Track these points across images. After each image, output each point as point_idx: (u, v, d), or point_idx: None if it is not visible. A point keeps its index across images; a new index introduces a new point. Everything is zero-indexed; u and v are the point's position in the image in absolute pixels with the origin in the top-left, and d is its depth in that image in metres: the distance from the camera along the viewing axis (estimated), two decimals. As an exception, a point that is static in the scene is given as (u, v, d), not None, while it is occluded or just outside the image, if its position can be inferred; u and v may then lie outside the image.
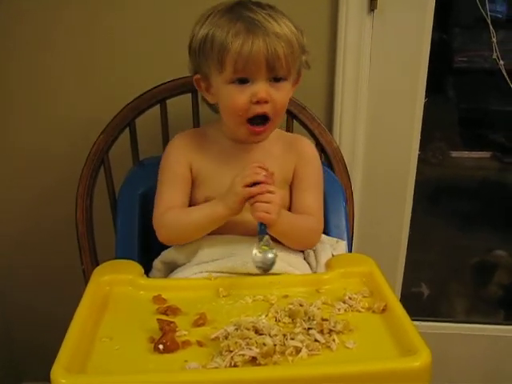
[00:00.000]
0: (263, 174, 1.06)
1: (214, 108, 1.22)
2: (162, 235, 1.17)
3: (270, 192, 1.05)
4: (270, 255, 1.03)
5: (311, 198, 1.21)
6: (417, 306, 2.11)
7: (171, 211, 1.16)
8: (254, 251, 1.03)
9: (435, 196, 2.34)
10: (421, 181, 1.70)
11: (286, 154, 1.22)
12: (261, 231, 1.06)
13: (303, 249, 1.22)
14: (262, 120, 1.12)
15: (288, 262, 1.15)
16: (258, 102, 1.10)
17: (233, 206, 1.08)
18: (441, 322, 1.90)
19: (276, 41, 1.07)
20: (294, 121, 1.39)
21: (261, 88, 1.09)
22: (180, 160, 1.20)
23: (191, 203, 1.20)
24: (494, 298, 2.06)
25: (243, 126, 1.13)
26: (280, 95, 1.11)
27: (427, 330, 1.81)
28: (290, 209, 1.22)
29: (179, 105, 1.35)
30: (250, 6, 1.10)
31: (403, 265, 1.74)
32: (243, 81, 1.09)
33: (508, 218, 2.22)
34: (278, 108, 1.13)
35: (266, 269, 1.04)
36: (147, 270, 1.18)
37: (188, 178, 1.20)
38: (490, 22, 1.48)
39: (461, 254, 2.20)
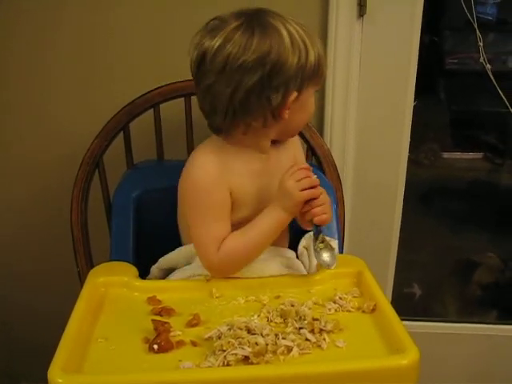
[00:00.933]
0: (314, 177, 1.08)
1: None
2: (225, 271, 1.10)
3: (321, 193, 1.08)
4: (334, 252, 1.11)
5: None
6: (409, 306, 2.12)
7: (226, 243, 1.08)
8: (316, 251, 1.09)
9: (427, 197, 2.35)
10: (413, 182, 1.71)
11: (286, 152, 1.21)
12: (316, 232, 1.10)
13: None
14: None
15: (286, 265, 1.17)
16: None
17: (293, 210, 1.08)
18: (432, 322, 1.92)
19: None
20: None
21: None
22: (219, 183, 1.09)
23: None
24: (485, 298, 2.08)
25: None
26: None
27: (419, 330, 1.83)
28: None
29: (172, 109, 1.36)
30: (279, 20, 1.06)
31: (394, 265, 1.76)
32: None
33: (499, 218, 2.24)
34: None
35: (331, 264, 1.09)
36: (142, 272, 1.18)
37: (230, 204, 1.11)
38: (476, 26, 1.50)
39: (452, 255, 2.21)
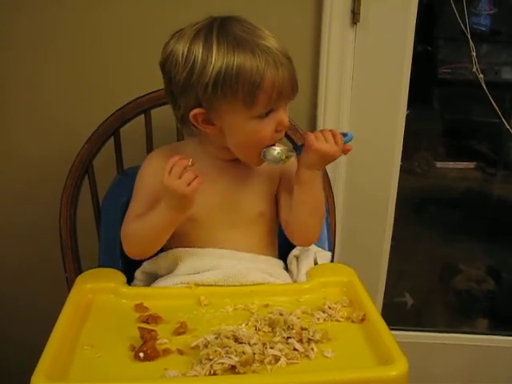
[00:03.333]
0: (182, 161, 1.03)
1: (191, 131, 1.15)
2: (125, 247, 1.14)
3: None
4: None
5: None
6: (400, 315, 2.12)
7: (128, 223, 1.14)
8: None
9: (420, 206, 2.36)
10: (405, 191, 1.71)
11: (270, 168, 1.19)
12: (297, 148, 1.12)
13: (300, 233, 1.19)
14: None
15: (269, 273, 1.15)
16: (281, 130, 1.10)
17: (175, 204, 1.05)
18: (424, 332, 1.91)
19: (290, 65, 1.06)
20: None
21: (284, 115, 1.08)
22: (154, 180, 1.12)
23: None
24: (476, 308, 2.08)
25: (257, 156, 1.11)
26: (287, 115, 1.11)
27: (410, 340, 1.82)
28: (280, 213, 1.21)
29: (163, 115, 1.35)
30: (240, 28, 1.04)
31: (385, 275, 1.75)
32: (268, 112, 1.06)
33: (491, 228, 2.24)
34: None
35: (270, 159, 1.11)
36: (130, 279, 1.19)
37: (157, 196, 1.11)
38: (469, 36, 1.50)
39: (444, 264, 2.21)
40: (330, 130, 1.11)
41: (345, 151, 1.11)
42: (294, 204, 1.15)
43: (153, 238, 1.11)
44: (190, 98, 1.06)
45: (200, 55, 1.02)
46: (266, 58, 1.01)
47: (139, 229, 1.11)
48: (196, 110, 1.06)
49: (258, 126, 1.06)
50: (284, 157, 1.10)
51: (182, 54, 1.04)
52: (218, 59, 1.01)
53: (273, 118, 1.07)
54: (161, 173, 1.08)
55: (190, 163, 1.02)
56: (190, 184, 1.01)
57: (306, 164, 1.11)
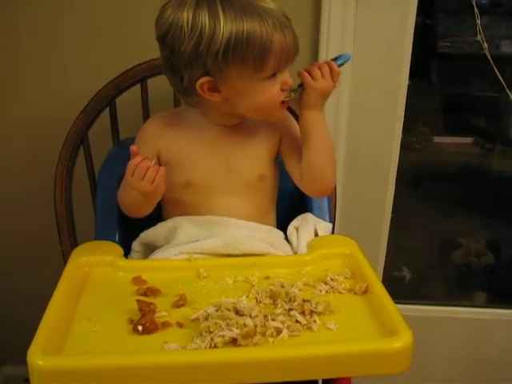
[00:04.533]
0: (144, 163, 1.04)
1: (192, 102, 1.14)
2: (121, 208, 1.18)
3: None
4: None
5: None
6: (398, 289, 2.12)
7: (123, 187, 1.15)
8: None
9: (418, 181, 2.36)
10: (404, 166, 1.70)
11: (269, 129, 1.20)
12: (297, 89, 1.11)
13: (317, 178, 1.17)
14: None
15: (269, 243, 1.14)
16: (286, 89, 1.09)
17: (145, 196, 1.07)
18: (422, 305, 1.91)
19: (291, 26, 1.05)
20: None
21: (288, 76, 1.08)
22: (146, 145, 1.15)
23: (170, 186, 1.16)
24: (475, 282, 2.08)
25: (275, 110, 1.11)
26: None
27: (409, 313, 1.81)
28: (293, 170, 1.20)
29: (160, 84, 1.33)
30: None
31: (385, 249, 1.75)
32: (274, 74, 1.06)
33: (489, 202, 2.25)
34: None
35: None
36: (127, 252, 1.17)
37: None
38: (474, 3, 1.47)
39: (443, 238, 2.21)
40: (327, 63, 1.10)
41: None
42: (306, 150, 1.15)
43: (136, 207, 1.14)
44: (198, 68, 1.04)
45: (207, 23, 0.99)
46: (272, 22, 1.01)
47: (127, 197, 1.13)
48: (203, 79, 1.05)
49: (265, 87, 1.06)
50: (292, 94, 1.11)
51: (187, 23, 1.00)
52: (227, 26, 0.99)
53: (278, 78, 1.07)
54: (156, 137, 1.16)
55: (152, 163, 1.03)
56: (153, 181, 1.03)
57: (308, 105, 1.12)
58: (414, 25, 1.49)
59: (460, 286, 2.12)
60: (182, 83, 1.08)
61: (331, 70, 1.09)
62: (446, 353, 1.89)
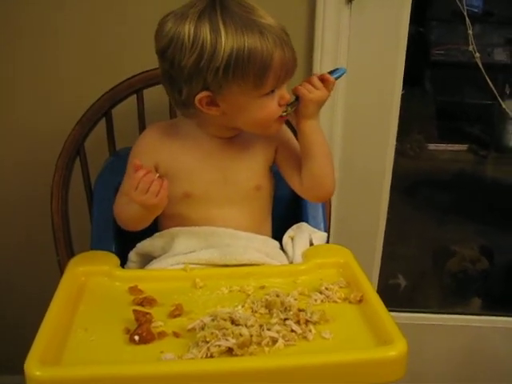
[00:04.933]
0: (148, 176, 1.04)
1: (189, 114, 1.14)
2: (117, 221, 1.18)
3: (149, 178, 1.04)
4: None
5: None
6: (394, 297, 2.12)
7: (119, 198, 1.16)
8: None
9: (413, 188, 2.36)
10: (398, 173, 1.70)
11: (265, 141, 1.21)
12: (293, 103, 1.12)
13: (319, 185, 1.18)
14: None
15: (265, 253, 1.15)
16: (283, 104, 1.10)
17: (146, 209, 1.07)
18: (417, 313, 1.91)
19: (290, 42, 1.06)
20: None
21: (285, 91, 1.09)
22: (144, 157, 1.14)
23: (169, 198, 1.16)
24: (469, 289, 2.08)
25: (272, 125, 1.12)
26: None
27: (404, 321, 1.82)
28: (291, 178, 1.21)
29: (156, 95, 1.34)
30: (238, 8, 1.03)
31: (380, 257, 1.75)
32: (273, 90, 1.07)
33: (484, 209, 2.25)
34: None
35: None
36: (123, 262, 1.18)
37: None
38: (466, 13, 1.48)
39: (437, 246, 2.21)
40: (319, 76, 1.12)
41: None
42: (307, 159, 1.16)
43: (135, 221, 1.13)
44: (197, 83, 1.04)
45: (209, 38, 0.99)
46: (273, 38, 1.01)
47: (124, 210, 1.13)
48: (202, 94, 1.05)
49: (264, 103, 1.07)
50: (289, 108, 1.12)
51: (188, 37, 1.00)
52: (228, 42, 0.99)
53: (276, 94, 1.08)
54: (154, 149, 1.16)
55: (156, 177, 1.03)
56: (157, 194, 1.02)
57: (306, 116, 1.13)
58: (407, 34, 1.50)
59: (455, 294, 2.12)
60: (180, 96, 1.08)
61: (326, 80, 1.11)
62: (441, 360, 1.89)
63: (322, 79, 1.11)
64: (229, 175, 1.18)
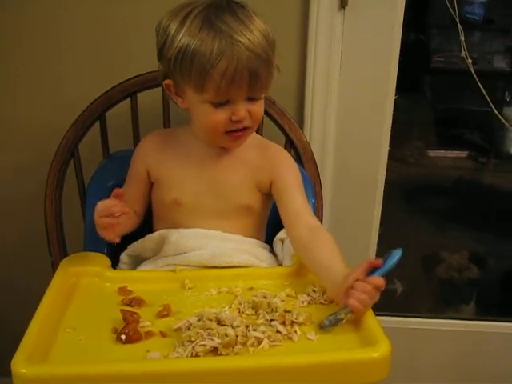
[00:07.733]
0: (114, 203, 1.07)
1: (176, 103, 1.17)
2: None
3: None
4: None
5: (300, 198, 1.16)
6: (391, 302, 2.12)
7: None
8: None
9: (412, 195, 2.35)
10: (398, 180, 1.70)
11: (259, 159, 1.20)
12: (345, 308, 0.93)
13: None
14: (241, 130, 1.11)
15: (255, 255, 1.16)
16: (238, 121, 1.08)
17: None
18: (414, 318, 1.91)
19: (256, 61, 1.03)
20: (264, 116, 1.38)
21: (240, 108, 1.06)
22: (138, 161, 1.22)
23: (159, 203, 1.21)
24: (465, 295, 2.08)
25: (222, 137, 1.11)
26: (258, 108, 1.10)
27: (399, 326, 1.82)
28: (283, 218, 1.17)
29: (150, 98, 1.35)
30: (224, 15, 1.03)
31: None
32: (222, 103, 1.06)
33: (483, 216, 2.25)
34: (257, 119, 1.11)
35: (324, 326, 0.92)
36: (115, 263, 1.19)
37: (143, 180, 1.22)
38: (458, 20, 1.49)
39: (436, 252, 2.21)
40: (377, 281, 0.93)
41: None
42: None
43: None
44: (163, 67, 1.12)
45: (173, 30, 1.05)
46: (224, 48, 1.01)
47: None
48: (167, 81, 1.12)
49: (210, 110, 1.08)
50: (343, 315, 0.92)
51: (164, 24, 1.07)
52: (184, 38, 1.03)
53: (228, 107, 1.07)
54: (147, 154, 1.21)
55: (119, 214, 1.07)
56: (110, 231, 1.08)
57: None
58: (400, 39, 1.50)
59: (449, 299, 2.12)
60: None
61: (377, 287, 0.93)
62: (436, 363, 1.89)
63: (378, 287, 0.93)
64: (219, 188, 1.18)
